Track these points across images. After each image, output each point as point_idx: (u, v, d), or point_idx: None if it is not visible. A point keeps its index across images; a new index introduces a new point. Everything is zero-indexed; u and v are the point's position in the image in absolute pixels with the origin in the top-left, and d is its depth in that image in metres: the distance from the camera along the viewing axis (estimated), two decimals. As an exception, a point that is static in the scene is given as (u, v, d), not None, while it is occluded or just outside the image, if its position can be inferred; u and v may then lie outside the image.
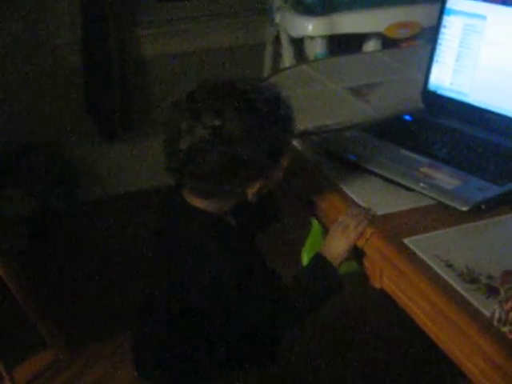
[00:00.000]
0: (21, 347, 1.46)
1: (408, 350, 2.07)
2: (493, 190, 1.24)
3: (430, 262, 1.09)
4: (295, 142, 1.48)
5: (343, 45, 2.55)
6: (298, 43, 2.54)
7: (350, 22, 2.38)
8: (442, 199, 1.23)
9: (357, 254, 1.23)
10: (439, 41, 1.53)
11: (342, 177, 1.35)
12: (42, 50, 2.69)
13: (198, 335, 1.28)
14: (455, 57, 1.50)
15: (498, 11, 1.42)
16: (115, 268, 2.41)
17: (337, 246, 1.22)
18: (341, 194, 1.31)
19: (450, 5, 1.51)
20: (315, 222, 2.48)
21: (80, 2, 2.65)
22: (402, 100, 1.67)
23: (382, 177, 1.32)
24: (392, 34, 2.43)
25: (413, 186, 1.27)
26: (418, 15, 2.41)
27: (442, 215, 1.21)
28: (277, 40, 2.68)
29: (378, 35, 2.47)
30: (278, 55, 2.74)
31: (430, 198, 1.25)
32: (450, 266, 1.08)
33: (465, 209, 1.19)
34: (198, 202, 1.20)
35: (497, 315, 0.94)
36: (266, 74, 2.72)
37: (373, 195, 1.29)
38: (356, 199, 1.28)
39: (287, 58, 2.58)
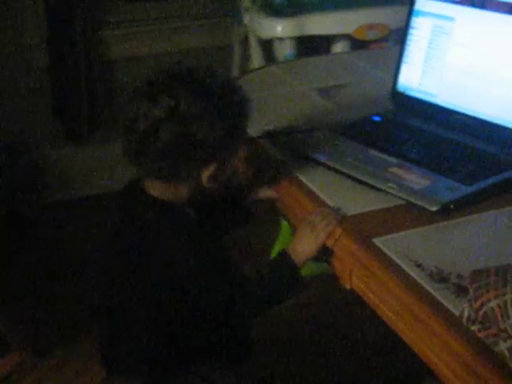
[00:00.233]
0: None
1: (377, 352, 2.09)
2: (462, 190, 1.24)
3: (399, 262, 1.09)
4: (263, 142, 1.48)
5: (312, 46, 2.56)
6: (267, 44, 2.53)
7: (318, 24, 2.39)
8: (411, 199, 1.23)
9: (326, 254, 1.22)
10: (408, 42, 1.54)
11: (310, 177, 1.35)
12: (6, 50, 2.65)
13: (164, 326, 1.27)
14: (423, 58, 1.51)
15: (466, 13, 1.43)
16: (82, 270, 2.38)
17: (305, 245, 1.22)
18: (309, 194, 1.30)
19: (418, 6, 1.52)
20: (284, 223, 2.48)
21: (45, 1, 2.61)
22: (370, 101, 1.67)
23: (350, 177, 1.32)
24: (360, 35, 2.44)
25: (381, 186, 1.27)
26: (387, 17, 2.42)
27: (411, 215, 1.22)
28: (245, 41, 2.67)
29: (347, 37, 2.48)
30: (246, 56, 2.73)
31: (399, 198, 1.25)
32: (419, 265, 1.08)
33: (434, 209, 1.20)
34: (156, 190, 1.23)
35: (466, 314, 0.95)
36: (234, 75, 2.70)
37: (342, 195, 1.28)
38: (325, 199, 1.28)
39: (256, 60, 2.57)
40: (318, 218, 1.20)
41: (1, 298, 1.34)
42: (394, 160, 1.35)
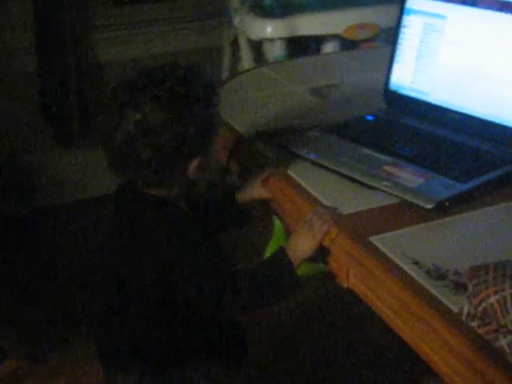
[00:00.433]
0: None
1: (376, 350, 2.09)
2: (456, 188, 1.24)
3: (396, 260, 1.09)
4: (256, 142, 1.48)
5: (302, 47, 2.56)
6: (257, 46, 2.53)
7: (308, 24, 2.39)
8: (407, 197, 1.23)
9: (322, 253, 1.22)
10: (399, 40, 1.54)
11: (304, 176, 1.34)
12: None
13: (159, 321, 1.28)
14: (415, 56, 1.51)
15: (458, 11, 1.43)
16: (75, 273, 2.38)
17: (301, 245, 1.21)
18: (304, 194, 1.30)
19: (409, 4, 1.52)
20: (277, 223, 2.48)
21: (33, 3, 2.60)
22: (363, 100, 1.67)
23: (345, 176, 1.32)
24: (350, 35, 2.44)
25: (376, 185, 1.27)
26: (377, 17, 2.43)
27: (406, 213, 1.21)
28: (235, 43, 2.67)
29: (337, 37, 2.48)
30: (236, 58, 2.73)
31: (394, 196, 1.25)
32: (416, 263, 1.08)
33: (429, 206, 1.20)
34: (147, 189, 1.24)
35: (465, 310, 0.94)
36: (224, 76, 2.70)
37: (337, 194, 1.28)
38: (320, 199, 1.27)
39: (246, 61, 2.57)
40: (315, 218, 1.20)
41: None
42: (387, 158, 1.35)
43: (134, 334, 1.30)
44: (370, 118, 1.54)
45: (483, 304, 0.91)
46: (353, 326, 2.17)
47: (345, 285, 1.18)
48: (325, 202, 1.25)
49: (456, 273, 1.05)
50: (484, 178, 1.27)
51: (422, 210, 1.20)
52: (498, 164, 1.32)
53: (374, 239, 1.14)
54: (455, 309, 0.98)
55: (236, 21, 2.56)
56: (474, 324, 0.94)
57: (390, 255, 1.10)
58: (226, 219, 1.41)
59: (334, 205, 1.24)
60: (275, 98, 1.73)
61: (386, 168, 1.31)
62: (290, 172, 1.36)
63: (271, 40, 2.42)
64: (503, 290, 0.90)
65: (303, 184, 1.32)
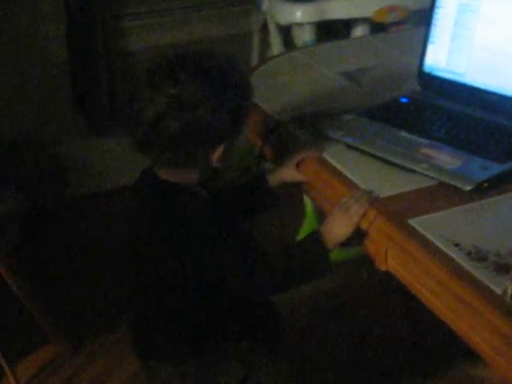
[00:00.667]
0: (23, 343, 1.44)
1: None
2: (495, 169, 1.23)
3: (436, 242, 1.08)
4: (291, 127, 1.48)
5: (331, 31, 2.54)
6: (286, 31, 2.52)
7: (338, 8, 2.37)
8: (445, 179, 1.22)
9: (358, 237, 1.22)
10: (434, 21, 1.52)
11: (340, 160, 1.34)
12: (25, 44, 2.66)
13: (191, 306, 1.28)
14: (450, 37, 1.49)
15: (494, -11, 1.41)
16: (108, 261, 2.39)
17: (337, 228, 1.21)
18: (340, 178, 1.30)
19: (443, -15, 1.50)
20: (309, 210, 2.48)
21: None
22: (396, 83, 1.66)
23: (381, 159, 1.31)
24: (380, 18, 2.41)
25: (414, 167, 1.26)
26: (407, -1, 2.40)
27: (444, 195, 1.21)
28: (264, 28, 2.66)
29: (366, 20, 2.45)
30: (265, 44, 2.72)
31: (432, 178, 1.24)
32: (456, 245, 1.07)
33: (468, 188, 1.19)
34: (167, 175, 1.24)
35: (510, 291, 0.94)
36: (254, 62, 2.70)
37: (373, 178, 1.28)
38: (357, 182, 1.27)
39: (275, 46, 2.56)
40: (351, 201, 1.20)
41: (35, 291, 1.35)
42: (424, 141, 1.34)
43: (168, 322, 1.31)
44: (404, 100, 1.53)
45: (527, 284, 0.91)
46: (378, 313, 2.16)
47: (383, 268, 1.18)
48: (361, 185, 1.25)
49: (497, 254, 1.04)
50: (523, 159, 1.26)
51: (461, 192, 1.20)
52: (537, 144, 1.30)
53: (413, 221, 1.13)
54: (497, 290, 0.97)
55: (265, 6, 2.54)
56: (518, 305, 0.93)
57: (430, 237, 1.09)
58: (257, 202, 1.41)
59: (371, 188, 1.23)
60: (307, 82, 1.72)
61: (424, 150, 1.30)
62: (325, 155, 1.36)
63: (300, 25, 2.40)
64: (548, 270, 0.89)
65: (339, 167, 1.31)
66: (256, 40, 2.75)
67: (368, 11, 2.40)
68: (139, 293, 1.35)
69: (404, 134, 1.37)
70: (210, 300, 1.27)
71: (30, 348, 1.43)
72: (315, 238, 1.22)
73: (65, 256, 2.50)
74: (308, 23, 2.39)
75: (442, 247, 1.07)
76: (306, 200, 2.45)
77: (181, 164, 1.22)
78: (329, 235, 1.21)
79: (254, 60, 2.74)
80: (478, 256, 1.05)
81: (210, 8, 2.85)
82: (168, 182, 1.24)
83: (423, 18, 2.24)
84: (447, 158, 1.27)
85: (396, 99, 1.53)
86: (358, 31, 2.48)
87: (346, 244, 1.23)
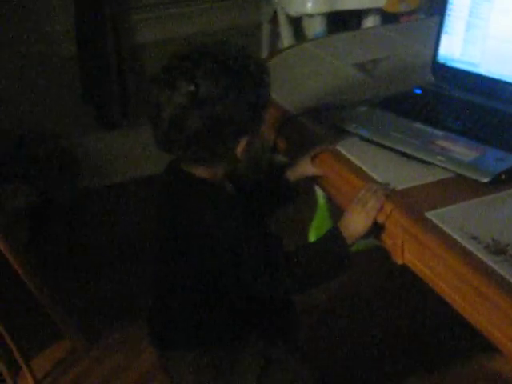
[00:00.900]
0: (38, 338, 1.44)
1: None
2: (512, 160, 1.22)
3: (454, 235, 1.07)
4: (304, 120, 1.47)
5: (342, 22, 2.53)
6: (296, 22, 2.51)
7: (349, -2, 2.35)
8: (461, 171, 1.21)
9: (375, 230, 1.21)
10: (448, 11, 1.50)
11: (355, 153, 1.33)
12: (34, 38, 2.65)
13: (212, 299, 1.28)
14: (465, 27, 1.48)
15: (509, -22, 1.39)
16: (121, 254, 2.40)
17: (355, 223, 1.20)
18: (356, 171, 1.28)
19: (457, -26, 1.48)
20: (321, 202, 2.47)
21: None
22: (409, 74, 1.65)
23: (396, 151, 1.30)
24: (391, 8, 2.40)
25: (430, 160, 1.25)
26: (418, -12, 2.38)
27: (461, 188, 1.20)
28: (274, 19, 2.65)
29: (377, 11, 2.44)
30: (275, 35, 2.71)
31: (448, 170, 1.23)
32: (474, 238, 1.06)
33: (485, 180, 1.18)
34: (194, 169, 1.23)
35: (530, 285, 0.93)
36: (264, 54, 2.68)
37: (389, 170, 1.27)
38: (372, 175, 1.26)
39: (286, 38, 2.54)
40: (368, 195, 1.19)
41: (47, 285, 1.35)
42: (439, 132, 1.33)
43: (187, 315, 1.31)
44: (418, 91, 1.51)
45: (549, 278, 0.90)
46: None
47: (399, 261, 1.17)
48: (377, 178, 1.24)
49: (516, 247, 1.03)
50: (541, 150, 1.25)
51: (478, 184, 1.18)
52: (553, 135, 1.29)
53: (430, 214, 1.12)
54: (518, 284, 0.96)
55: (275, -3, 2.53)
56: (538, 298, 0.92)
57: (448, 230, 1.08)
58: (276, 198, 1.40)
59: (387, 181, 1.22)
60: (320, 74, 1.71)
61: (439, 142, 1.29)
62: (339, 148, 1.34)
63: (311, 16, 2.39)
64: None
65: (354, 160, 1.30)
66: (266, 31, 2.74)
67: (380, 1, 2.39)
68: (162, 283, 1.35)
69: (419, 125, 1.36)
70: (230, 294, 1.27)
71: (44, 343, 1.43)
72: (335, 234, 1.22)
73: (77, 249, 2.50)
74: (319, 14, 2.37)
75: (459, 240, 1.06)
76: (319, 192, 2.45)
77: (205, 160, 1.21)
78: (348, 231, 1.21)
79: (264, 51, 2.73)
80: (497, 249, 1.04)
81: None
82: (196, 178, 1.23)
83: (434, 8, 2.23)
84: (463, 150, 1.26)
85: (410, 90, 1.52)
86: (369, 22, 2.46)
87: (365, 236, 1.23)
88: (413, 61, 1.73)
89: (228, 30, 2.84)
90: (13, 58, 2.63)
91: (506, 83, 1.41)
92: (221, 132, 1.18)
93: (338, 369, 1.95)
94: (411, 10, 2.43)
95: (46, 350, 1.42)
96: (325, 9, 2.35)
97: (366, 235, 1.21)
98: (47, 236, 2.58)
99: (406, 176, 1.24)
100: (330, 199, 2.24)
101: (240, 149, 1.21)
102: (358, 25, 2.50)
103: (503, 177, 1.19)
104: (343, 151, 1.34)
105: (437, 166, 1.24)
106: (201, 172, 1.23)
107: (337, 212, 1.30)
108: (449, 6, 1.50)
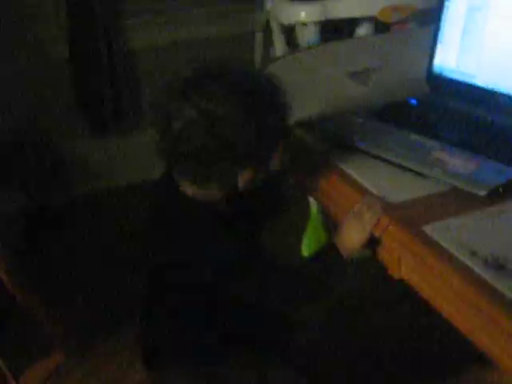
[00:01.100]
0: (27, 351, 1.42)
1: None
2: (510, 173, 1.20)
3: (452, 250, 1.06)
4: (299, 131, 1.45)
5: (335, 30, 2.51)
6: (289, 30, 2.49)
7: (343, 7, 2.33)
8: (459, 185, 1.19)
9: (372, 244, 1.19)
10: (443, 21, 1.49)
11: (351, 165, 1.31)
12: (26, 42, 2.63)
13: (201, 317, 1.27)
14: (460, 37, 1.46)
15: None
16: (113, 262, 2.36)
17: (351, 238, 1.19)
18: (351, 183, 1.27)
19: (453, -18, 1.47)
20: (313, 210, 2.45)
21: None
22: (404, 84, 1.62)
23: (392, 163, 1.28)
24: (385, 17, 2.38)
25: (428, 173, 1.23)
26: (411, -3, 2.37)
27: (459, 201, 1.18)
28: (267, 28, 2.63)
29: (370, 19, 2.43)
30: (268, 43, 2.69)
31: (445, 183, 1.21)
32: (473, 252, 1.04)
33: (483, 193, 1.16)
34: (188, 189, 1.20)
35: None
36: (257, 62, 2.67)
37: (385, 182, 1.25)
38: (368, 187, 1.24)
39: (278, 46, 2.52)
40: (364, 208, 1.17)
41: (38, 295, 1.33)
42: (436, 144, 1.31)
43: (181, 330, 1.30)
44: (413, 101, 1.50)
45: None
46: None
47: (396, 276, 1.15)
48: (373, 191, 1.22)
49: (516, 262, 1.01)
50: (538, 162, 1.23)
51: (476, 197, 1.17)
52: (552, 147, 1.28)
53: (428, 228, 1.11)
54: (517, 300, 0.95)
55: (268, 5, 2.51)
56: (540, 316, 0.90)
57: (446, 245, 1.07)
58: (271, 208, 1.38)
59: (383, 193, 1.21)
60: (314, 83, 1.69)
61: (436, 154, 1.27)
62: (335, 161, 1.33)
63: (304, 24, 2.37)
64: None
65: (350, 172, 1.29)
66: (259, 39, 2.72)
67: (372, 10, 2.37)
68: (155, 300, 1.33)
69: (415, 136, 1.35)
70: (222, 309, 1.26)
71: (35, 356, 1.41)
72: (331, 250, 1.20)
73: (69, 255, 2.47)
74: (312, 23, 2.36)
75: (457, 255, 1.05)
76: (311, 201, 2.43)
77: (204, 180, 1.18)
78: (343, 245, 1.19)
79: (257, 59, 2.71)
80: (496, 264, 1.02)
81: (212, 6, 2.83)
82: (188, 198, 1.21)
83: (427, 17, 2.22)
84: (460, 162, 1.24)
85: (405, 101, 1.50)
86: (362, 30, 2.45)
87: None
88: (407, 70, 1.71)
89: (221, 37, 2.82)
90: (4, 62, 2.60)
91: (502, 94, 1.40)
92: (223, 153, 1.13)
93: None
94: (404, 19, 2.42)
95: (35, 365, 1.39)
96: (318, 17, 2.33)
97: (362, 249, 1.20)
98: (40, 243, 2.54)
99: (401, 188, 1.23)
100: (323, 208, 2.22)
101: (243, 179, 1.18)
102: (351, 33, 2.49)
103: (501, 190, 1.17)
104: (339, 163, 1.32)
105: (433, 178, 1.23)
106: (194, 192, 1.21)
107: (329, 221, 1.28)
108: (444, 16, 1.49)
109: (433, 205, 1.18)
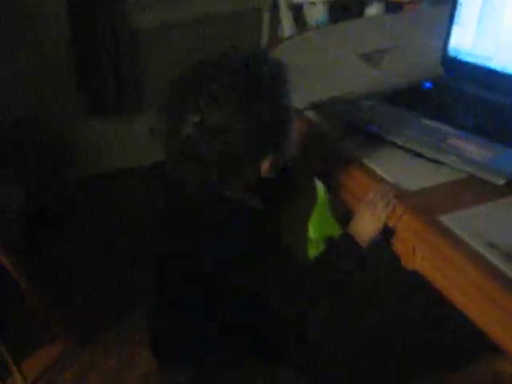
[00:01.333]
0: (30, 340, 1.40)
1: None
2: (529, 161, 1.17)
3: (469, 241, 1.02)
4: (310, 115, 1.41)
5: (344, 10, 2.46)
6: (297, 9, 2.44)
7: (353, -15, 2.30)
8: (476, 173, 1.16)
9: (386, 234, 1.16)
10: (459, 1, 1.44)
11: (364, 150, 1.27)
12: (25, 42, 2.58)
13: (217, 317, 1.24)
14: (477, 18, 1.42)
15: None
16: (113, 255, 2.33)
17: (366, 228, 1.16)
18: (365, 170, 1.23)
19: (471, -38, 1.42)
20: (320, 193, 2.41)
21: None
22: (418, 66, 1.58)
23: (405, 149, 1.24)
24: (396, -4, 2.34)
25: (444, 160, 1.19)
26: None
27: (476, 190, 1.14)
28: (274, 6, 2.58)
29: (381, -2, 2.38)
30: (275, 22, 2.64)
31: (461, 171, 1.18)
32: (490, 244, 1.01)
33: (501, 182, 1.12)
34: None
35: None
36: (264, 41, 2.62)
37: (400, 170, 1.21)
38: (382, 174, 1.20)
39: (286, 25, 2.48)
40: (378, 197, 1.14)
41: (42, 285, 1.30)
42: (451, 130, 1.27)
43: (192, 331, 1.27)
44: (427, 85, 1.46)
45: None
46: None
47: (410, 267, 1.12)
48: (388, 179, 1.18)
49: (535, 254, 0.98)
50: (558, 149, 1.19)
51: (493, 186, 1.13)
52: None
53: (444, 218, 1.07)
54: (537, 294, 0.91)
55: (276, -17, 2.47)
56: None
57: (462, 235, 1.04)
58: (280, 194, 1.35)
59: (398, 181, 1.17)
60: (325, 65, 1.65)
61: (451, 140, 1.23)
62: (349, 147, 1.29)
63: (313, 3, 2.33)
64: None
65: (363, 159, 1.25)
66: (266, 18, 2.67)
67: (384, -12, 2.33)
68: (166, 296, 1.30)
69: (428, 122, 1.31)
70: (222, 300, 1.23)
71: (37, 345, 1.38)
72: (347, 239, 1.17)
73: (69, 245, 2.44)
74: (321, 1, 2.31)
75: (474, 246, 1.01)
76: (318, 184, 2.39)
77: (221, 182, 1.15)
78: (358, 235, 1.16)
79: (264, 39, 2.66)
80: (514, 256, 0.99)
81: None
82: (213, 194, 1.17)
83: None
84: (477, 150, 1.20)
85: (418, 84, 1.46)
86: (373, 10, 2.41)
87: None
88: (420, 52, 1.67)
89: (227, 15, 2.77)
90: (3, 43, 2.55)
91: (520, 78, 1.36)
92: (236, 159, 1.11)
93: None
94: (415, -1, 2.37)
95: (37, 352, 1.37)
96: (327, -4, 2.29)
97: (377, 238, 1.17)
98: (42, 236, 2.51)
99: (416, 176, 1.19)
100: (330, 192, 2.19)
101: (264, 169, 1.15)
102: (361, 13, 2.44)
103: (520, 179, 1.13)
104: (350, 147, 1.28)
105: (448, 165, 1.19)
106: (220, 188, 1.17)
107: (338, 205, 1.25)
108: (461, -3, 1.44)
109: (448, 193, 1.15)
